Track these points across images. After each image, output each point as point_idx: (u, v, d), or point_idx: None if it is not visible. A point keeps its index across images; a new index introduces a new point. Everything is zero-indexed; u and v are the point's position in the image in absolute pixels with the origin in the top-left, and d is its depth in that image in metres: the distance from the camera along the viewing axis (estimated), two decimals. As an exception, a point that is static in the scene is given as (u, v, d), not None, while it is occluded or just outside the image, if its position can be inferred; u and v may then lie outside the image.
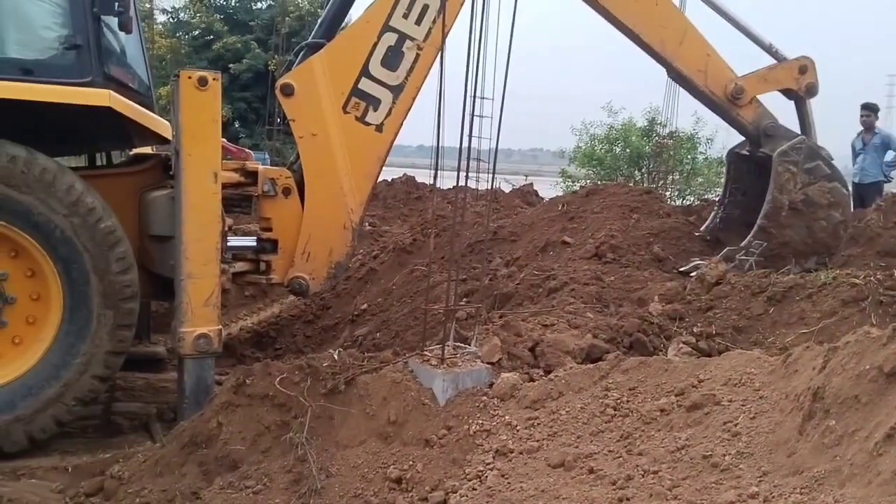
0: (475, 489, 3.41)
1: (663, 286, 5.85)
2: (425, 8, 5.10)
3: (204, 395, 4.69)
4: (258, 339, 7.57)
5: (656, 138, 19.03)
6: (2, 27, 4.66)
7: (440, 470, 3.64)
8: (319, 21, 5.64)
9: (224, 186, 4.89)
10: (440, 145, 4.73)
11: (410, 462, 3.71)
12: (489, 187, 5.33)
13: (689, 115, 22.70)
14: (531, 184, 14.26)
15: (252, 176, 5.15)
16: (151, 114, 5.43)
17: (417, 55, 5.09)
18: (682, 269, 6.53)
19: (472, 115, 4.28)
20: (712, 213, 7.46)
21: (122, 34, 5.01)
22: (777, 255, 6.20)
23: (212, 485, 3.80)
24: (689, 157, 19.34)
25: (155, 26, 28.23)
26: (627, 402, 3.66)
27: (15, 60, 4.55)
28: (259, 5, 30.99)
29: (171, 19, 30.50)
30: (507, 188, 14.64)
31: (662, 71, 6.36)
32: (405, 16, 5.09)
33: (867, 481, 2.52)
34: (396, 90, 5.16)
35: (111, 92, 4.58)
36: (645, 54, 6.22)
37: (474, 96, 4.27)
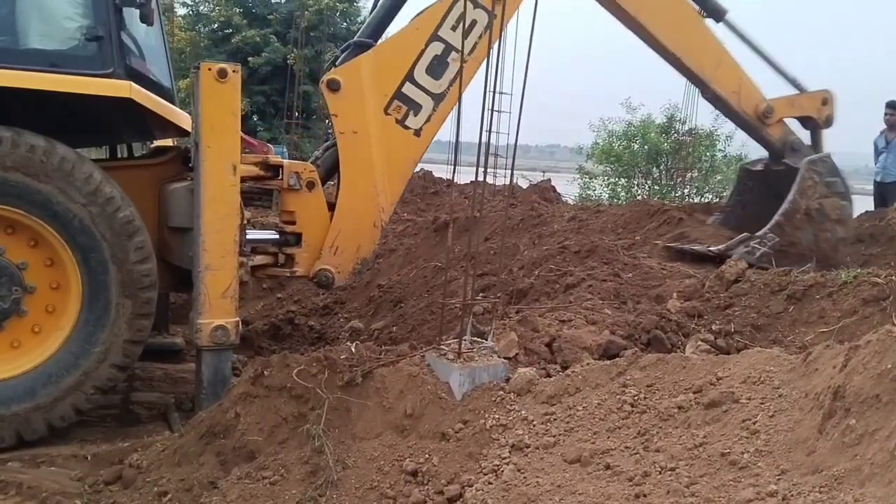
0: (491, 483, 3.41)
1: (682, 283, 5.83)
2: (474, 23, 5.22)
3: (221, 385, 4.72)
4: (275, 331, 7.61)
5: (675, 135, 18.91)
6: (25, 18, 4.68)
7: (456, 463, 3.64)
8: (367, 21, 5.69)
9: (245, 179, 4.93)
10: (458, 140, 4.74)
11: (426, 455, 3.71)
12: (507, 183, 5.33)
13: (708, 111, 22.52)
14: (549, 180, 14.20)
15: (274, 169, 5.17)
16: (172, 106, 5.45)
17: (462, 67, 5.15)
18: (671, 244, 7.08)
19: (492, 110, 4.28)
20: (713, 217, 7.79)
21: (143, 26, 5.03)
22: (783, 252, 6.47)
23: (229, 475, 3.82)
24: (707, 154, 19.21)
25: (175, 19, 28.36)
26: (645, 398, 3.64)
27: (37, 51, 4.58)
28: (278, -1, 31.05)
29: (190, 12, 30.62)
30: (524, 184, 14.59)
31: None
32: (454, 28, 5.20)
33: (888, 481, 2.50)
34: (438, 98, 5.28)
35: (132, 84, 4.60)
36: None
37: (494, 91, 4.26)
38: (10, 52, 4.50)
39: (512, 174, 4.85)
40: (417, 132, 5.30)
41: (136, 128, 5.66)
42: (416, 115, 5.26)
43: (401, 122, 5.25)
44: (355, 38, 5.50)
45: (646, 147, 19.15)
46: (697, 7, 6.46)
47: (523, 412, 3.79)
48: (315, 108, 27.96)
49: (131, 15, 4.85)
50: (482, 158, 4.29)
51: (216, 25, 30.47)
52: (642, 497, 2.99)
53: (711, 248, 6.65)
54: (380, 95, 5.20)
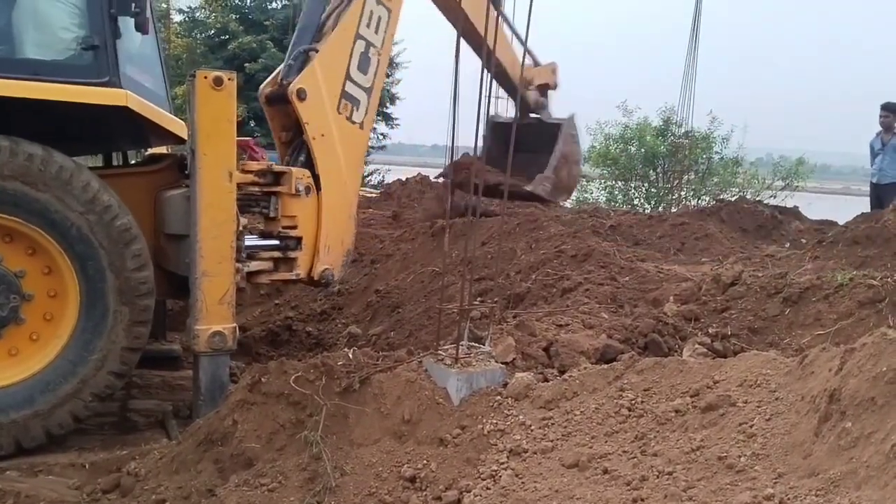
0: (489, 489, 3.41)
1: (678, 287, 5.83)
2: (380, 19, 5.69)
3: (219, 392, 4.73)
4: (273, 337, 7.60)
5: (671, 138, 18.93)
6: (20, 28, 4.69)
7: (454, 469, 3.64)
8: (302, 26, 5.87)
9: (244, 185, 4.97)
10: (454, 145, 4.76)
11: (424, 461, 3.71)
12: (504, 186, 5.35)
13: (704, 114, 22.57)
14: (545, 183, 14.17)
15: (274, 175, 5.20)
16: (167, 113, 5.47)
17: (379, 60, 5.69)
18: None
19: (487, 114, 4.31)
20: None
21: (138, 34, 5.04)
22: (555, 186, 8.36)
23: (227, 482, 3.82)
24: (704, 156, 19.24)
25: (171, 26, 28.36)
26: (642, 402, 3.64)
27: (33, 61, 4.59)
28: (274, 5, 31.00)
29: (186, 19, 30.62)
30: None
31: (678, 70, 6.75)
32: (368, 25, 5.63)
33: (884, 483, 2.51)
34: (369, 91, 5.71)
35: (128, 92, 4.60)
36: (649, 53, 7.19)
37: (489, 96, 4.30)
38: (7, 62, 4.50)
39: (507, 176, 4.87)
40: (361, 125, 5.68)
41: (132, 136, 5.68)
42: (357, 110, 5.64)
43: (349, 119, 5.61)
44: (305, 46, 5.68)
45: (642, 150, 19.16)
46: None
47: (521, 417, 3.79)
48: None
49: (126, 23, 4.85)
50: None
51: (212, 32, 30.47)
52: (640, 501, 2.99)
53: (524, 187, 8.12)
54: (332, 96, 5.52)
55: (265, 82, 5.85)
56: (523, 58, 6.14)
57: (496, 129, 8.82)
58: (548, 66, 8.63)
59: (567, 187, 8.97)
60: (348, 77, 5.55)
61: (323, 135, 5.43)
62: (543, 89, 8.60)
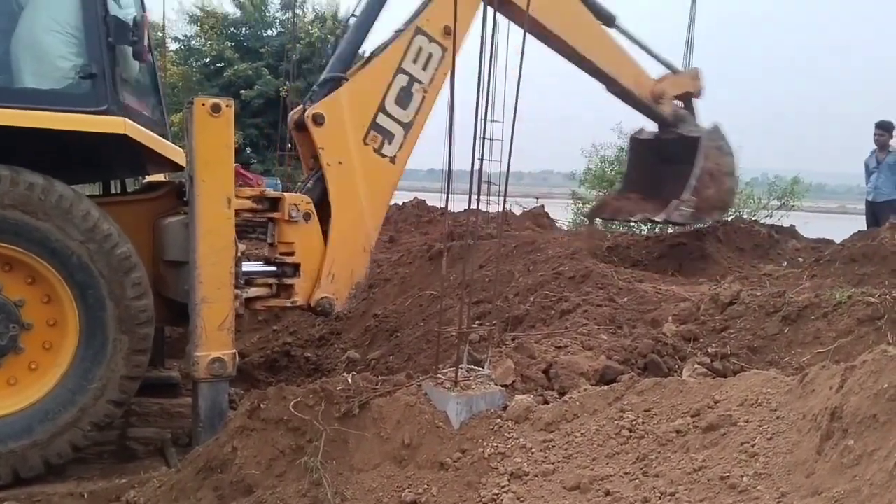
0: (491, 512, 3.39)
1: (677, 307, 5.84)
2: (430, 56, 5.61)
3: (218, 419, 4.70)
4: (271, 363, 7.58)
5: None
6: (19, 57, 4.73)
7: (455, 493, 3.62)
8: (336, 56, 5.87)
9: (242, 212, 4.97)
10: (451, 169, 4.78)
11: (425, 485, 3.69)
12: (500, 210, 5.38)
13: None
14: (542, 206, 14.23)
15: (270, 202, 5.21)
16: (166, 141, 5.49)
17: (424, 97, 5.59)
18: (634, 219, 8.62)
19: (483, 138, 4.34)
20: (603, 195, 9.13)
21: (136, 61, 5.08)
22: (699, 208, 7.99)
23: (227, 510, 3.80)
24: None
25: (167, 54, 28.51)
26: (643, 423, 3.64)
27: (31, 90, 4.62)
28: (269, 32, 31.25)
29: (182, 47, 30.81)
30: (518, 211, 14.61)
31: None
32: (415, 61, 5.57)
33: (888, 501, 2.50)
34: (407, 126, 5.60)
35: (126, 120, 4.63)
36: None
37: (485, 119, 4.32)
38: (6, 91, 4.54)
39: (504, 201, 4.89)
40: (392, 159, 5.60)
41: (130, 163, 5.69)
42: (390, 144, 5.56)
43: (378, 151, 5.53)
44: (329, 74, 5.70)
45: (638, 171, 19.22)
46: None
47: (521, 440, 3.78)
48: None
49: (124, 51, 4.89)
50: (475, 186, 4.33)
51: (208, 60, 30.64)
52: (643, 523, 2.98)
53: (655, 217, 8.02)
54: (358, 126, 5.47)
55: (295, 109, 5.81)
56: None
57: (637, 148, 8.92)
58: (687, 74, 8.27)
59: (718, 204, 8.43)
60: (382, 109, 5.50)
61: (340, 162, 5.40)
62: (685, 98, 8.22)
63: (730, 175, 8.40)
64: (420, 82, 5.59)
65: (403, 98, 5.56)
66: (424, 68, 5.60)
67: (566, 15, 6.78)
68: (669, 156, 8.28)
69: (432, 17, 5.63)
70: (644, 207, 8.29)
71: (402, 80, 5.55)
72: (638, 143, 8.90)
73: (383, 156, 5.54)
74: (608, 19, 7.37)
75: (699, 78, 8.32)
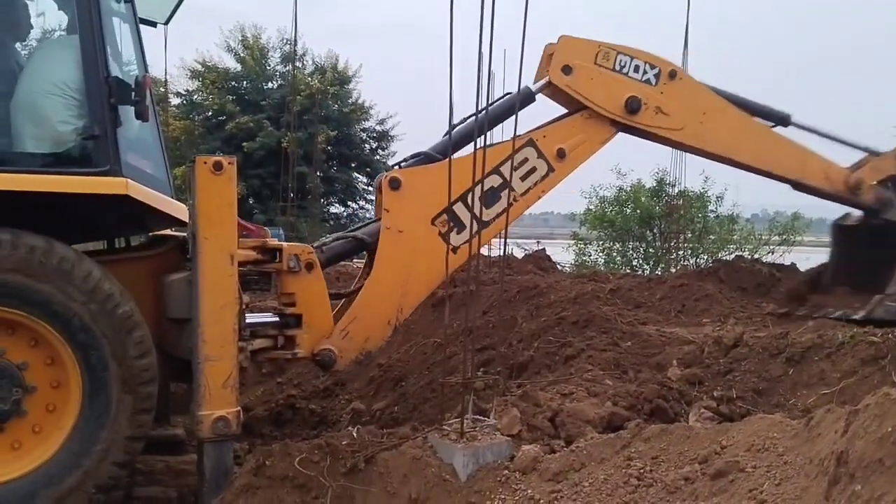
0: (500, 567, 3.36)
1: (681, 350, 5.83)
2: (533, 169, 5.64)
3: (224, 478, 4.66)
4: (276, 416, 7.54)
5: (666, 198, 19.12)
6: (20, 122, 4.78)
7: (464, 548, 3.59)
8: (441, 140, 5.81)
9: (244, 264, 4.99)
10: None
11: (434, 541, 3.67)
12: (501, 253, 5.42)
13: (696, 174, 22.86)
14: (543, 249, 14.29)
15: (272, 252, 5.24)
16: (168, 198, 5.51)
17: (511, 204, 5.49)
18: (832, 317, 6.93)
19: (483, 179, 4.36)
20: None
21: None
22: None
23: (234, 570, 3.76)
24: (700, 215, 19.41)
25: (169, 109, 28.89)
26: (651, 471, 3.62)
27: (31, 155, 4.66)
28: (270, 85, 31.72)
29: (184, 101, 31.24)
30: (519, 253, 14.67)
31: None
32: (515, 168, 5.51)
33: (898, 548, 2.48)
34: (483, 224, 5.48)
35: (129, 180, 4.66)
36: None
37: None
38: (6, 156, 4.59)
39: (505, 244, 4.92)
40: (455, 249, 5.44)
41: (133, 222, 5.72)
42: (458, 234, 5.44)
43: (443, 236, 5.42)
44: (427, 149, 5.71)
45: (637, 211, 19.34)
46: (768, 122, 6.88)
47: (529, 491, 3.76)
48: (310, 188, 28.27)
49: (126, 111, 4.95)
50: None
51: (210, 113, 31.08)
52: (653, 575, 2.95)
53: (854, 317, 6.69)
54: (432, 205, 5.40)
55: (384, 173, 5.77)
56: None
57: (841, 236, 7.99)
58: (890, 155, 7.32)
59: None
60: (463, 199, 5.41)
61: (401, 231, 5.37)
62: (890, 181, 7.29)
63: None
64: (512, 190, 5.52)
65: (489, 197, 5.49)
66: (523, 179, 5.60)
67: (722, 132, 6.41)
68: (879, 244, 7.29)
69: (550, 135, 5.66)
70: (849, 303, 7.21)
71: (493, 181, 5.47)
72: (841, 231, 8.00)
73: (445, 242, 5.41)
74: (782, 120, 6.92)
75: None
